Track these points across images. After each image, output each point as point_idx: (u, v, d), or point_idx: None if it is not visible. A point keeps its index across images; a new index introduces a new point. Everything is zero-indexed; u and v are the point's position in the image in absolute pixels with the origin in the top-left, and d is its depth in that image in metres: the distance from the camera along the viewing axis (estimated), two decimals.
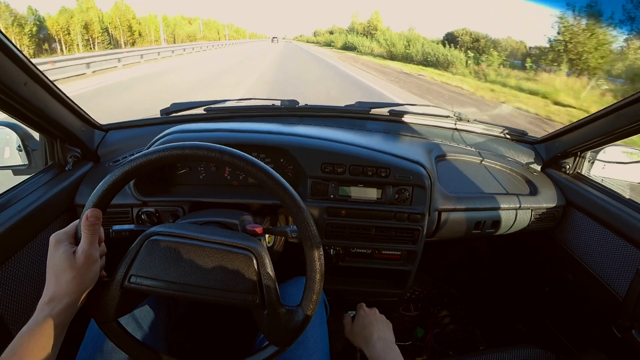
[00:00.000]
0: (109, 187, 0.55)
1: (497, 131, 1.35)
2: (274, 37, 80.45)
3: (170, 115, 1.23)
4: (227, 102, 1.28)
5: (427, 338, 1.46)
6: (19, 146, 1.02)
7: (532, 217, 1.13)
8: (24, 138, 1.01)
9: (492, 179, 1.19)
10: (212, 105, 1.24)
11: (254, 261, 0.57)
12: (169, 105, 1.22)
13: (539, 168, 1.30)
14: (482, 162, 1.24)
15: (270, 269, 0.59)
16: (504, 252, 1.51)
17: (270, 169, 0.58)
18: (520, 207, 1.10)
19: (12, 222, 0.79)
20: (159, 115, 1.24)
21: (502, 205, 1.08)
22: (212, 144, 0.56)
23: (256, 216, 0.91)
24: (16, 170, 1.03)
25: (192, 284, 0.56)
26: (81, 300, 0.53)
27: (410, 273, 1.08)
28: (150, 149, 0.56)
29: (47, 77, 0.82)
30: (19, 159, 1.02)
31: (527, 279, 1.40)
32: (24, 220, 0.82)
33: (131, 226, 0.85)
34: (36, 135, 1.02)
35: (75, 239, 0.54)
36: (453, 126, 1.33)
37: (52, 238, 0.53)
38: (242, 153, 0.57)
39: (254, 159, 0.57)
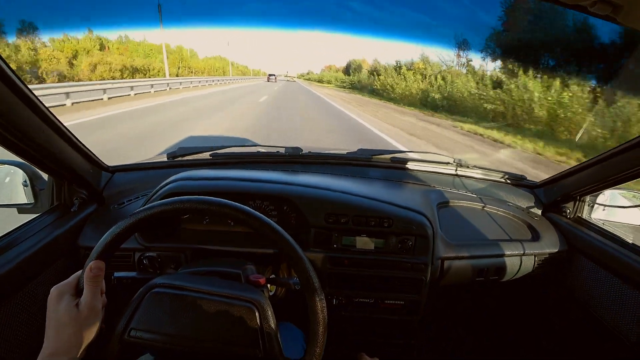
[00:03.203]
0: (112, 239, 0.56)
1: (496, 176, 1.38)
2: (270, 75, 54.66)
3: (176, 159, 1.25)
4: (233, 147, 1.31)
5: None
6: (25, 182, 1.03)
7: (536, 263, 1.12)
8: (33, 177, 1.02)
9: (494, 225, 1.19)
10: (218, 151, 1.27)
11: (256, 313, 0.57)
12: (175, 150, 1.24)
13: (539, 212, 1.31)
14: (484, 208, 1.25)
15: (272, 322, 0.58)
16: (509, 297, 1.47)
17: (272, 222, 0.59)
18: (523, 253, 1.09)
19: (14, 263, 0.79)
20: (165, 158, 1.26)
21: (505, 252, 1.08)
22: (214, 199, 0.58)
23: (258, 264, 0.90)
24: (22, 208, 1.03)
25: (192, 338, 0.56)
26: (80, 353, 0.52)
27: (414, 322, 1.05)
28: (154, 204, 0.58)
29: (59, 120, 0.85)
30: (25, 198, 1.03)
31: (534, 324, 1.36)
32: (26, 261, 0.82)
33: (133, 274, 0.85)
34: (45, 175, 1.04)
35: (77, 290, 0.54)
36: (454, 172, 1.36)
37: (54, 290, 0.53)
38: (244, 207, 0.59)
39: (255, 212, 0.59)
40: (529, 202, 1.33)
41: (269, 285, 0.86)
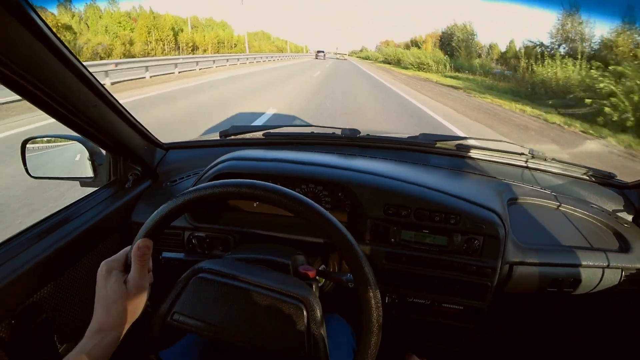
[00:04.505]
0: (161, 218, 0.55)
1: (578, 172, 1.19)
2: (319, 52, 48.37)
3: (229, 138, 1.23)
4: (286, 127, 1.26)
5: None
6: (88, 157, 1.08)
7: (622, 278, 0.95)
8: (92, 153, 1.06)
9: (573, 228, 1.03)
10: (271, 131, 1.22)
11: (304, 312, 0.54)
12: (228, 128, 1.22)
13: (630, 218, 1.11)
14: (560, 208, 1.09)
15: (321, 322, 0.54)
16: (583, 312, 1.31)
17: (327, 213, 0.55)
18: (608, 265, 0.93)
19: (73, 235, 0.82)
20: (217, 137, 1.25)
21: (584, 262, 0.92)
22: (267, 184, 0.55)
23: (307, 254, 0.85)
24: (83, 181, 1.09)
25: (235, 330, 0.54)
26: (125, 330, 0.52)
27: (472, 330, 0.96)
28: (203, 185, 0.55)
29: (114, 98, 0.85)
30: (87, 172, 1.08)
31: (611, 346, 1.19)
32: (83, 235, 0.85)
33: (181, 255, 0.85)
34: (103, 150, 1.07)
35: (125, 267, 0.54)
36: (524, 164, 1.19)
37: (103, 265, 0.53)
38: (299, 196, 0.55)
39: (311, 202, 0.55)
40: (618, 204, 1.13)
41: (318, 278, 0.83)
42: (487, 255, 0.87)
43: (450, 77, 21.98)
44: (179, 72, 13.36)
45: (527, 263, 0.91)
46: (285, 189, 0.55)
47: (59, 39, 0.62)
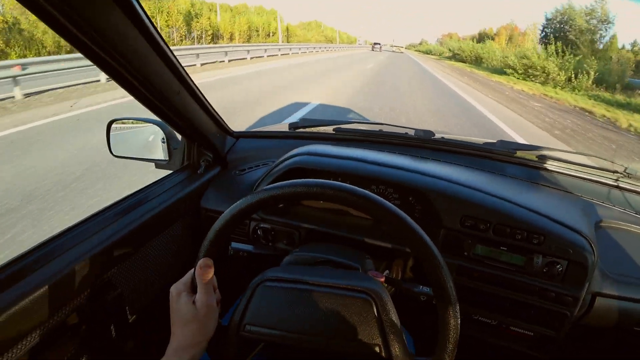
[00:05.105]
0: (218, 233, 0.56)
1: None
2: (375, 44, 51.29)
3: (298, 130, 1.23)
4: (357, 124, 1.23)
5: None
6: (163, 139, 1.13)
7: None
8: (169, 137, 1.11)
9: None
10: (342, 126, 1.20)
11: (374, 306, 0.53)
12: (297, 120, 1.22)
13: None
14: None
15: (394, 316, 0.53)
16: None
17: (415, 224, 0.52)
18: None
19: (147, 217, 0.86)
20: (287, 128, 1.26)
21: None
22: (356, 188, 0.53)
23: (373, 258, 0.83)
24: (158, 163, 1.14)
25: (307, 333, 0.53)
26: (204, 348, 0.55)
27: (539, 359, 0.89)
28: (273, 186, 0.55)
29: (196, 86, 0.87)
30: (162, 154, 1.13)
31: None
32: (155, 217, 0.89)
33: (250, 247, 0.86)
34: (179, 135, 1.11)
35: (192, 287, 0.56)
36: (614, 183, 1.07)
37: (173, 289, 0.55)
38: (383, 201, 0.53)
39: (396, 208, 0.53)
40: None
41: (385, 284, 0.81)
42: (570, 282, 0.80)
43: (593, 96, 13.04)
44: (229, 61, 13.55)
45: (613, 296, 0.82)
46: (374, 195, 0.53)
47: (153, 25, 0.63)
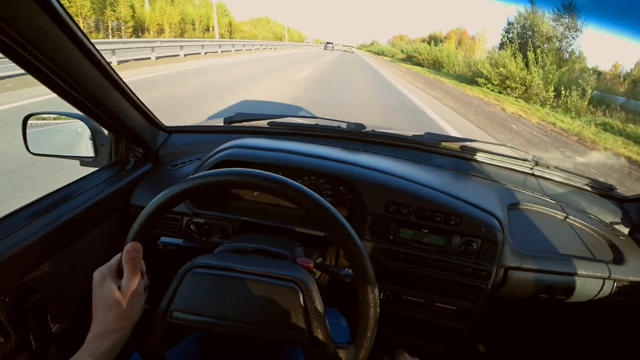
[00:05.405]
0: (149, 217, 0.55)
1: (579, 182, 1.19)
2: (328, 43, 51.03)
3: (233, 125, 1.22)
4: (291, 117, 1.25)
5: None
6: (89, 136, 1.06)
7: (614, 289, 0.97)
8: (94, 132, 1.04)
9: (569, 237, 1.04)
10: (276, 120, 1.21)
11: (300, 295, 0.54)
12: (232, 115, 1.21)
13: (626, 231, 1.12)
14: (558, 216, 1.09)
15: (318, 304, 0.55)
16: (573, 321, 1.32)
17: (331, 206, 0.55)
18: (600, 276, 0.94)
19: (70, 215, 0.80)
20: (221, 123, 1.24)
21: (578, 271, 0.94)
22: (270, 174, 0.54)
23: (306, 246, 0.85)
24: (83, 161, 1.07)
25: (233, 319, 0.54)
26: (126, 334, 0.53)
27: (462, 332, 0.97)
28: (208, 173, 0.55)
29: (120, 78, 0.84)
30: (88, 151, 1.06)
31: (599, 356, 1.21)
32: (81, 215, 0.83)
33: (179, 241, 0.84)
34: (106, 130, 1.06)
35: (118, 273, 0.54)
36: (529, 171, 1.19)
37: (96, 274, 0.53)
38: (302, 187, 0.54)
39: (314, 194, 0.55)
40: (615, 217, 1.14)
41: (315, 270, 0.83)
42: (484, 258, 0.88)
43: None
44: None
45: (522, 268, 0.92)
46: (291, 180, 0.54)
47: (68, 14, 0.60)
